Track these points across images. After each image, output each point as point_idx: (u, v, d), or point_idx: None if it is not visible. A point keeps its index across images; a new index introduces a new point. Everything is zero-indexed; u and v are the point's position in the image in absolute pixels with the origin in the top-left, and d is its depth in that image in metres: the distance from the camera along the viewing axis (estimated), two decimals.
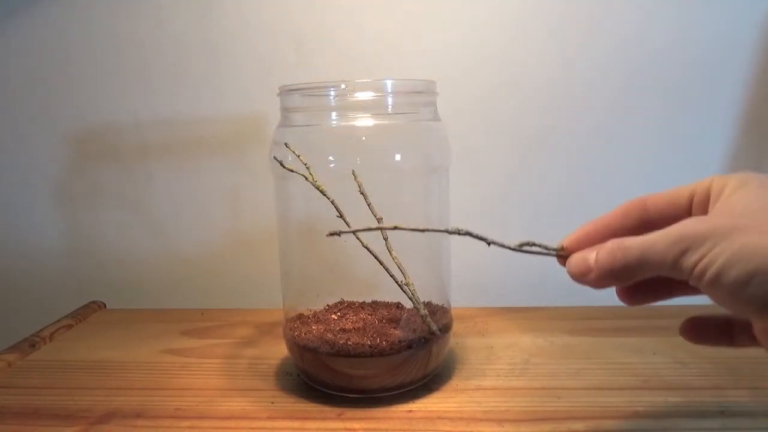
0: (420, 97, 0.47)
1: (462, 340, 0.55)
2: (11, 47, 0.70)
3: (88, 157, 0.72)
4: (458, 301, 0.53)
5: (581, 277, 0.30)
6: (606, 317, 0.59)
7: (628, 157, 0.67)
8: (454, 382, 0.47)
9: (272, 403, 0.45)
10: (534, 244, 0.33)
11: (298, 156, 0.44)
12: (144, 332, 0.60)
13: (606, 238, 0.30)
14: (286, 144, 0.45)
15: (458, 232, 0.34)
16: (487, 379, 0.47)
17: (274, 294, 0.54)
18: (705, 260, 0.25)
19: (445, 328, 0.47)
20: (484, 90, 0.66)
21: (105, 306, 0.69)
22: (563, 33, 0.64)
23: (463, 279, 0.68)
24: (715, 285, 0.25)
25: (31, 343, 0.57)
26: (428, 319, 0.45)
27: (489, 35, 0.65)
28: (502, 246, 0.33)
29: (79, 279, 0.75)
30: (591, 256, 0.30)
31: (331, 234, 0.35)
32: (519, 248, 0.33)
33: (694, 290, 0.29)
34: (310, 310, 0.50)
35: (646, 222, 0.31)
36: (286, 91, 0.46)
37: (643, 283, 0.32)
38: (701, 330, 0.33)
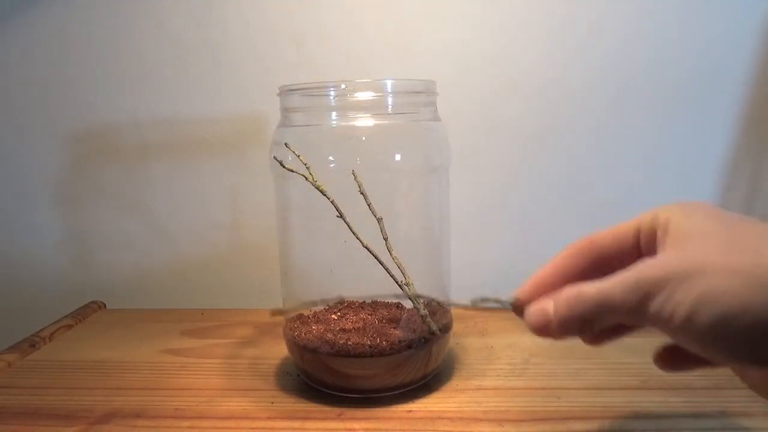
0: (420, 97, 0.47)
1: (462, 340, 0.55)
2: (11, 47, 0.70)
3: (88, 157, 0.72)
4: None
5: (542, 330, 0.29)
6: None
7: (628, 157, 0.67)
8: (454, 382, 0.47)
9: (272, 403, 0.45)
10: (487, 299, 0.33)
11: (298, 156, 0.44)
12: (144, 332, 0.60)
13: (559, 283, 0.30)
14: (286, 144, 0.45)
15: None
16: (487, 379, 0.47)
17: (274, 294, 0.54)
18: (669, 306, 0.25)
19: (445, 328, 0.47)
20: (484, 90, 0.66)
21: (105, 306, 0.69)
22: (563, 33, 0.64)
23: (463, 279, 0.68)
24: (685, 330, 0.24)
25: (31, 343, 0.57)
26: (428, 319, 0.45)
27: (489, 35, 0.65)
28: (457, 306, 0.34)
29: (79, 279, 0.75)
30: (549, 306, 0.29)
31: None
32: (473, 305, 0.33)
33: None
34: (310, 310, 0.50)
35: (596, 261, 0.31)
36: (286, 91, 0.46)
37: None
38: (676, 357, 0.32)
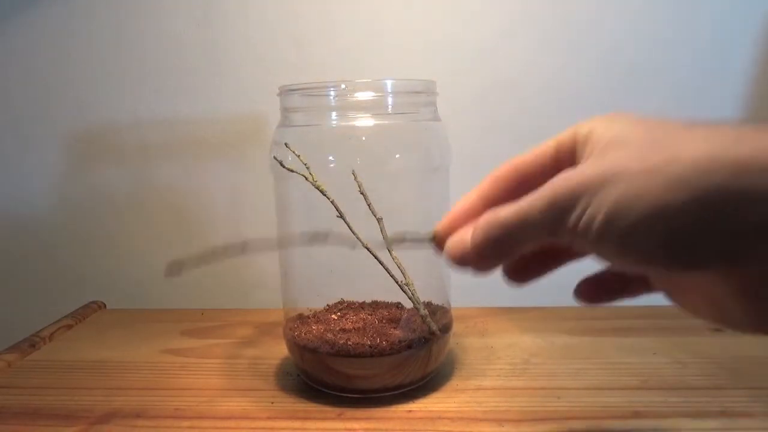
0: (420, 97, 0.47)
1: (462, 340, 0.55)
2: (11, 47, 0.70)
3: (88, 157, 0.72)
4: (458, 301, 0.52)
5: (461, 260, 0.27)
6: (606, 317, 0.59)
7: None
8: (454, 382, 0.47)
9: (272, 403, 0.45)
10: (406, 235, 0.30)
11: (298, 156, 0.44)
12: (144, 332, 0.60)
13: (482, 213, 0.27)
14: (286, 144, 0.45)
15: (317, 240, 0.31)
16: (487, 379, 0.47)
17: (274, 294, 0.54)
18: (585, 217, 0.23)
19: (445, 328, 0.47)
20: (485, 90, 0.66)
21: (105, 306, 0.69)
22: (563, 32, 0.64)
23: (463, 279, 0.68)
24: (603, 240, 0.23)
25: (31, 343, 0.57)
26: (428, 319, 0.45)
27: (489, 35, 0.65)
28: (368, 248, 0.31)
29: (79, 279, 0.75)
30: (466, 235, 0.27)
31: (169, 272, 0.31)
32: (389, 244, 0.31)
33: (581, 254, 0.27)
34: (310, 310, 0.50)
35: (519, 185, 0.29)
36: (286, 91, 0.46)
37: (528, 257, 0.29)
38: (599, 288, 0.30)
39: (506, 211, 0.26)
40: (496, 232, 0.26)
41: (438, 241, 0.29)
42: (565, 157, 0.27)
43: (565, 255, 0.30)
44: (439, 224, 0.30)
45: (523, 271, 0.30)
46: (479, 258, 0.27)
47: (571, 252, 0.28)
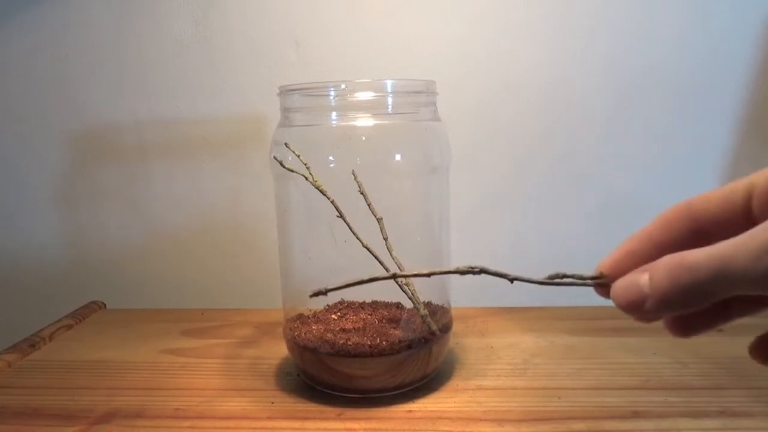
0: (420, 97, 0.47)
1: (462, 340, 0.55)
2: (11, 47, 0.70)
3: (88, 157, 0.72)
4: (458, 301, 0.53)
5: (634, 308, 0.24)
6: (606, 317, 0.59)
7: (628, 158, 0.67)
8: (454, 382, 0.47)
9: (272, 403, 0.45)
10: (565, 276, 0.28)
11: (298, 156, 0.44)
12: (144, 332, 0.60)
13: (652, 256, 0.25)
14: (286, 144, 0.45)
15: (472, 271, 0.29)
16: (487, 379, 0.47)
17: (274, 294, 0.54)
18: None
19: (445, 328, 0.47)
20: (485, 90, 0.66)
21: (105, 306, 0.69)
22: (564, 36, 0.64)
23: (463, 279, 0.68)
24: None
25: (31, 343, 0.57)
26: (428, 319, 0.45)
27: (490, 35, 0.65)
28: (528, 281, 0.29)
29: (79, 279, 0.75)
30: (642, 279, 0.24)
31: (315, 294, 0.31)
32: (547, 282, 0.28)
33: (762, 306, 0.25)
34: (310, 310, 0.50)
35: (696, 231, 0.25)
36: (286, 91, 0.46)
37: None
38: None
39: (698, 257, 0.23)
40: (688, 278, 0.23)
41: (602, 284, 0.27)
42: (761, 203, 0.24)
43: (741, 308, 0.27)
44: (603, 264, 0.27)
45: (689, 323, 0.27)
46: (659, 305, 0.24)
47: (748, 306, 0.26)
